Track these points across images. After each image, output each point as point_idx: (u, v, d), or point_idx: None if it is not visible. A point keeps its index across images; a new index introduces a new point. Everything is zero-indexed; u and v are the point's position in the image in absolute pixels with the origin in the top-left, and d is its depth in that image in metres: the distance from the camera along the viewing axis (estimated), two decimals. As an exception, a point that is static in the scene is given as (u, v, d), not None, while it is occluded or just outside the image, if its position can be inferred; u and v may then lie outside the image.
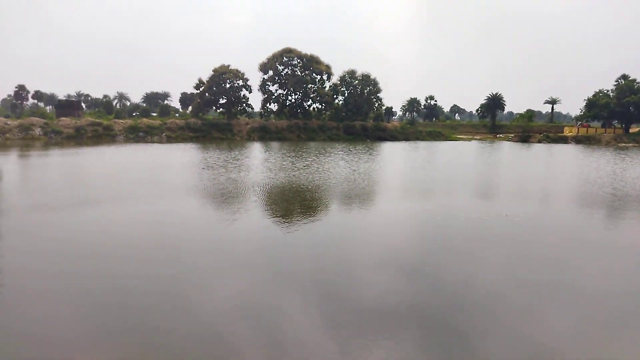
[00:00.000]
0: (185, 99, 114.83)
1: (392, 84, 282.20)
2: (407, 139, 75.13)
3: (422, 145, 62.12)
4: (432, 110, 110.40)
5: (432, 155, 44.33)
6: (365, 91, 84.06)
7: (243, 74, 76.50)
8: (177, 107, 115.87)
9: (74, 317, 7.05)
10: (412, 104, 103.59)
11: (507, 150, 54.08)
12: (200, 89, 76.14)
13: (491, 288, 8.61)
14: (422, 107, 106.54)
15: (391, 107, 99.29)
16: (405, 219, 14.89)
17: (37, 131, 56.72)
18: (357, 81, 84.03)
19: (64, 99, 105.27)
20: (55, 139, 55.67)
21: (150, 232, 12.31)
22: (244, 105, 78.22)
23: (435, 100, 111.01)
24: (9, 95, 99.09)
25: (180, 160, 33.22)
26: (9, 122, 57.01)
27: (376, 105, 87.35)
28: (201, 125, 67.81)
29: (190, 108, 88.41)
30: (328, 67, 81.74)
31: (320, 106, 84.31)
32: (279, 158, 35.46)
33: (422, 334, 6.74)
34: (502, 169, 32.71)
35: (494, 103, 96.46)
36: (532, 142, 70.38)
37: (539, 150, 54.17)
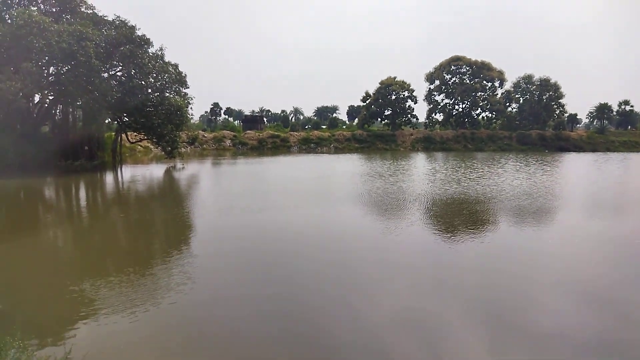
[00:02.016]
0: (352, 111, 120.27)
1: (577, 88, 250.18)
2: (594, 150, 66.03)
3: (614, 157, 53.67)
4: (627, 117, 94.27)
5: (629, 169, 38.00)
6: (544, 97, 76.56)
7: (409, 85, 76.93)
8: (344, 119, 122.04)
9: (251, 304, 7.96)
10: (602, 110, 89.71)
11: None
12: (367, 102, 79.01)
13: None
14: (615, 113, 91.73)
15: (575, 114, 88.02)
16: (594, 242, 13.06)
17: (227, 142, 66.05)
18: (534, 86, 77.06)
19: (249, 114, 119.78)
20: (242, 149, 63.95)
21: (321, 235, 13.22)
22: (409, 115, 78.47)
23: (632, 106, 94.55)
24: (206, 112, 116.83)
25: (351, 169, 34.95)
26: (205, 135, 67.71)
27: (557, 112, 78.86)
28: (366, 137, 70.31)
29: (356, 120, 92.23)
30: (500, 73, 76.83)
31: (490, 115, 79.71)
32: (449, 168, 34.61)
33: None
34: None
35: None
36: None
37: None
